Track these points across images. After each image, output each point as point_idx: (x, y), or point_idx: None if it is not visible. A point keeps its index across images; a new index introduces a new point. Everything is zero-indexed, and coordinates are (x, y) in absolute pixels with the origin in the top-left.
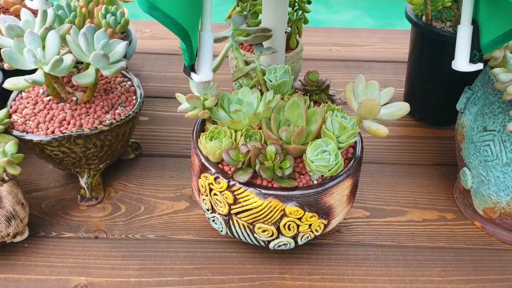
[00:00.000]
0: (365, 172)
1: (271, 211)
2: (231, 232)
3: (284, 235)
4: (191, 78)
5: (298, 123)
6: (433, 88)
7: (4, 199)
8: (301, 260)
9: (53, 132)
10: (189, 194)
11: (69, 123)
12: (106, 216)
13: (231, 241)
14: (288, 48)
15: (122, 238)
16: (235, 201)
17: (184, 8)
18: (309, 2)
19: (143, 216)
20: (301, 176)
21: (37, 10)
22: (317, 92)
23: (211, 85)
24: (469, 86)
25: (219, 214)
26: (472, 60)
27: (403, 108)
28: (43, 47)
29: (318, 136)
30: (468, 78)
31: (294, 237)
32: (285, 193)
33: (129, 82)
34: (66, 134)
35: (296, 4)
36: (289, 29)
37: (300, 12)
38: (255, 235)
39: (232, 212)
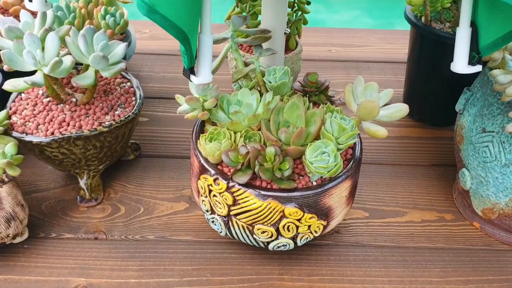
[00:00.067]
0: (364, 173)
1: (271, 212)
2: (231, 233)
3: (283, 236)
4: (190, 81)
5: (297, 124)
6: (432, 89)
7: (3, 201)
8: (301, 261)
9: (52, 133)
10: (189, 195)
11: (68, 125)
12: (105, 217)
13: (231, 242)
14: (288, 49)
15: (122, 239)
16: (235, 202)
17: (183, 11)
18: (309, 3)
19: (142, 217)
20: (300, 177)
21: (36, 11)
22: (316, 93)
23: (211, 86)
24: (468, 87)
25: (218, 215)
26: (471, 62)
27: (402, 109)
28: (43, 49)
29: (317, 137)
30: (467, 79)
31: (294, 238)
32: (285, 194)
33: (128, 83)
34: (65, 136)
35: (295, 5)
36: (289, 30)
37: (300, 13)
38: (254, 236)
39: (231, 213)
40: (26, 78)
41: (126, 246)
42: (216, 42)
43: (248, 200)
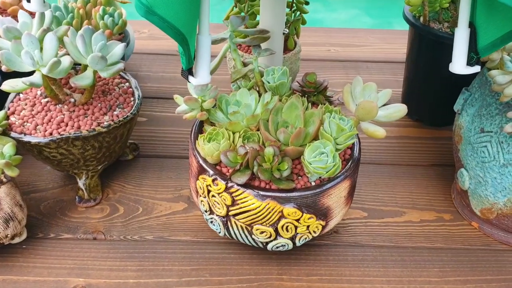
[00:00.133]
0: (363, 173)
1: (269, 212)
2: (229, 234)
3: (282, 236)
4: (189, 82)
5: (296, 124)
6: (431, 89)
7: (2, 201)
8: (299, 261)
9: (51, 133)
10: (187, 195)
11: (67, 125)
12: (104, 217)
13: (229, 242)
14: (286, 49)
15: (120, 239)
16: (233, 202)
17: (181, 12)
18: (307, 3)
19: (141, 217)
20: (299, 177)
21: (34, 12)
22: (315, 93)
23: (209, 86)
24: (466, 87)
25: (217, 215)
26: (469, 62)
27: (401, 110)
28: (41, 49)
29: (316, 137)
30: (466, 79)
31: (292, 238)
32: (283, 194)
33: (127, 84)
34: (64, 136)
35: (294, 5)
36: (287, 30)
37: (298, 13)
38: (253, 236)
39: (230, 213)
40: (24, 79)
41: (125, 246)
42: (214, 42)
43: (247, 201)
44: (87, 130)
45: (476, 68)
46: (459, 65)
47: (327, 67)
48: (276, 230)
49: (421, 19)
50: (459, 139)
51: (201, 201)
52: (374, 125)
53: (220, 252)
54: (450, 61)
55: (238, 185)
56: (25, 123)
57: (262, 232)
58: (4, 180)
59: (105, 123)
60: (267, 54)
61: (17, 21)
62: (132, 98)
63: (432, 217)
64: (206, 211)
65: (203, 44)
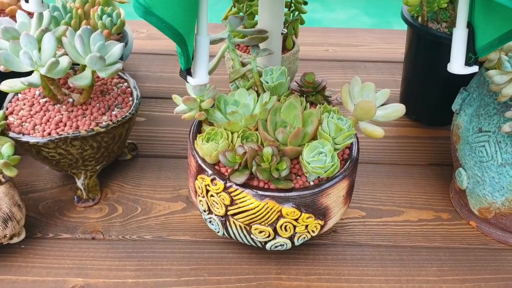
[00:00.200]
0: (361, 173)
1: (268, 212)
2: (228, 233)
3: (280, 236)
4: (187, 82)
5: (294, 124)
6: (429, 89)
7: (0, 201)
8: (298, 261)
9: (49, 133)
10: (186, 195)
11: (65, 125)
12: (103, 217)
13: (228, 242)
14: (285, 49)
15: (119, 239)
16: (232, 202)
17: (180, 13)
18: (306, 3)
19: (139, 217)
20: (298, 177)
21: (32, 12)
22: (313, 93)
23: (208, 86)
24: (464, 87)
25: (215, 215)
26: (468, 62)
27: (399, 109)
28: (39, 49)
29: (314, 137)
30: (464, 79)
31: (291, 238)
32: (282, 194)
33: (125, 84)
34: (62, 136)
35: (292, 5)
36: (286, 30)
37: (297, 13)
38: (251, 236)
39: (228, 213)
40: (22, 79)
41: (124, 246)
42: (213, 42)
43: (246, 200)
44: (85, 130)
45: (474, 68)
46: (457, 65)
47: (326, 67)
48: (274, 230)
49: (419, 19)
50: (457, 138)
51: (200, 201)
52: (372, 125)
53: (219, 251)
54: (448, 61)
55: (236, 185)
56: (23, 123)
57: (260, 232)
58: (3, 180)
59: (104, 123)
60: (266, 54)
61: (15, 21)
62: (130, 98)
63: (430, 217)
64: (204, 211)
65: (201, 44)
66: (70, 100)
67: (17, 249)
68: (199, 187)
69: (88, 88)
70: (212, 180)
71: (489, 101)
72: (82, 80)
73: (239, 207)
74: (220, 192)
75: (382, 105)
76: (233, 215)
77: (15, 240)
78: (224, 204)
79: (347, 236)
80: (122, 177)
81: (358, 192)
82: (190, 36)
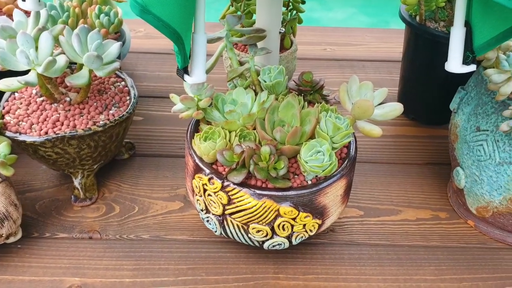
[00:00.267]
0: (359, 172)
1: (266, 211)
2: (225, 233)
3: (278, 235)
4: (184, 80)
5: (292, 123)
6: (427, 88)
7: None
8: (296, 260)
9: (46, 133)
10: (183, 194)
11: (62, 124)
12: (100, 217)
13: (226, 241)
14: (283, 48)
15: (116, 238)
16: (229, 201)
17: (177, 11)
18: (303, 2)
19: (137, 216)
20: (295, 176)
21: (29, 11)
22: (311, 92)
23: (205, 85)
24: (462, 86)
25: (213, 214)
26: (465, 61)
27: (397, 108)
28: (36, 48)
29: (312, 136)
30: (462, 78)
31: (289, 237)
32: (279, 193)
33: (122, 83)
34: (59, 135)
35: (290, 4)
36: (283, 29)
37: (294, 12)
38: (249, 235)
39: (226, 212)
40: (19, 78)
41: (121, 246)
42: (210, 41)
43: (243, 199)
44: (82, 129)
45: (472, 67)
46: (455, 64)
47: (323, 66)
48: (272, 229)
49: (417, 18)
50: (455, 137)
51: (197, 200)
52: (370, 124)
53: (216, 251)
54: (446, 60)
55: (234, 184)
56: (20, 122)
57: (258, 231)
58: None
59: (101, 122)
60: (263, 53)
61: (12, 20)
62: (128, 97)
63: (428, 216)
64: (202, 210)
65: (198, 42)
66: (67, 99)
67: (14, 249)
68: (196, 186)
69: (85, 87)
70: (209, 179)
71: (487, 100)
72: (79, 79)
73: (237, 206)
74: (218, 191)
75: (380, 104)
76: (230, 214)
77: (12, 239)
78: (221, 204)
79: (344, 235)
80: (119, 176)
81: (356, 191)
82: (187, 35)
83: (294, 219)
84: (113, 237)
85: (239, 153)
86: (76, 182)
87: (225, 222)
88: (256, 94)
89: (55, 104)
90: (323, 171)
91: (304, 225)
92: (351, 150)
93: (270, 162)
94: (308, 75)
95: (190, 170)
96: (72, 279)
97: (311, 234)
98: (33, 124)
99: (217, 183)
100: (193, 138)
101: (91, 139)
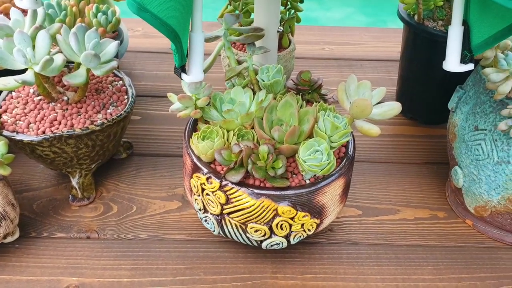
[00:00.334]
0: (357, 171)
1: (264, 211)
2: (224, 232)
3: (276, 235)
4: (181, 79)
5: (290, 122)
6: (425, 87)
7: None
8: (294, 259)
9: (43, 132)
10: (181, 193)
11: (60, 123)
12: (98, 216)
13: (224, 240)
14: (281, 47)
15: (114, 238)
16: (228, 201)
17: (174, 9)
18: (302, 1)
19: (135, 216)
20: (294, 175)
21: (26, 9)
22: (309, 91)
23: (203, 84)
24: (460, 85)
25: (211, 214)
26: (463, 60)
27: (395, 107)
28: (33, 47)
29: (310, 135)
30: (460, 77)
31: (287, 237)
32: (278, 192)
33: (120, 82)
34: (57, 134)
35: (288, 3)
36: (282, 28)
37: (293, 11)
38: (247, 234)
39: (224, 212)
40: (16, 77)
41: (119, 245)
42: (208, 40)
43: (241, 199)
44: (80, 129)
45: (470, 66)
46: (452, 63)
47: (322, 65)
48: (270, 228)
49: (416, 17)
50: (453, 137)
51: (195, 199)
52: (368, 123)
53: (214, 250)
54: (444, 59)
55: (232, 183)
56: (17, 121)
57: (256, 231)
58: None
59: (99, 121)
60: (262, 52)
61: (9, 19)
62: (125, 96)
63: (426, 215)
64: (200, 210)
65: (196, 41)
66: (65, 98)
67: (11, 249)
68: (194, 186)
69: (83, 86)
70: (207, 179)
71: (485, 99)
72: (77, 78)
73: (235, 206)
74: (216, 191)
75: (378, 103)
76: (228, 213)
77: (9, 239)
78: (219, 203)
79: (343, 234)
80: (117, 175)
81: (354, 190)
82: (185, 33)
83: (292, 218)
84: (111, 236)
85: (237, 153)
86: (74, 182)
87: (223, 222)
88: (254, 93)
89: (53, 103)
90: (321, 170)
91: (302, 224)
92: (349, 149)
93: (268, 161)
94: (306, 74)
95: (188, 170)
96: (69, 279)
97: (309, 233)
98: (30, 123)
99: (215, 182)
100: (191, 138)
101: (88, 138)
